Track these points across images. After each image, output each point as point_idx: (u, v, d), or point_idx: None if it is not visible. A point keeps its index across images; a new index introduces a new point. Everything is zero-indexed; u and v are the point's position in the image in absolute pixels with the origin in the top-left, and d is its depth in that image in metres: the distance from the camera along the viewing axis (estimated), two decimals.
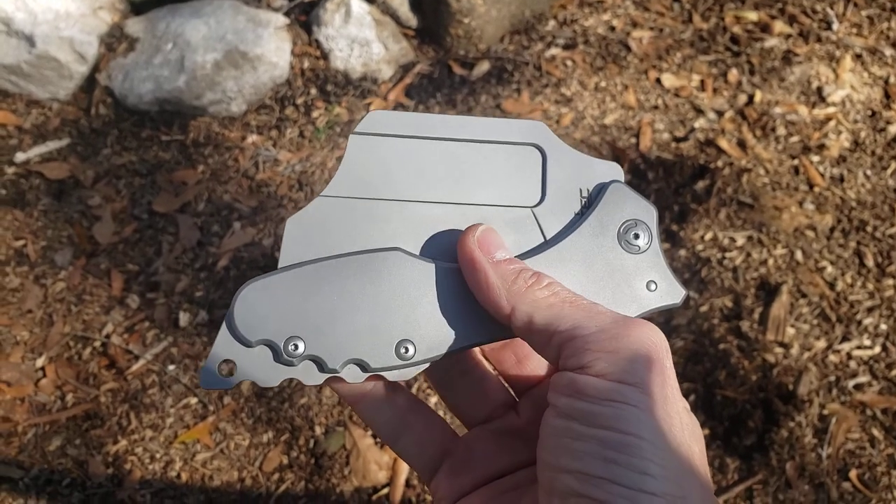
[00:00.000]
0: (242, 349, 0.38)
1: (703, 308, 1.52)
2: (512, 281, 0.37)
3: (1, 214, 1.70)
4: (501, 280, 0.37)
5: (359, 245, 0.40)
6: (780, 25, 2.01)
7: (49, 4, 1.87)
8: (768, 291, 1.54)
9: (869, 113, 1.84)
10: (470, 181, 0.42)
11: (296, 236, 0.40)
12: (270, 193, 1.73)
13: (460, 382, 0.45)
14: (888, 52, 1.95)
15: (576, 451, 0.32)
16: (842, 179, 1.72)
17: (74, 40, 1.88)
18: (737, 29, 2.01)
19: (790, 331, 1.49)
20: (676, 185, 1.71)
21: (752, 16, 2.04)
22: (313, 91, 1.90)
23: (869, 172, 1.73)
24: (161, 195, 1.73)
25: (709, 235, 1.62)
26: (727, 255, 1.60)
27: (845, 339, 1.49)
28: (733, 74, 1.91)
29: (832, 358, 1.46)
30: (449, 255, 0.40)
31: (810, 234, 1.63)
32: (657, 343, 0.34)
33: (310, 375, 0.39)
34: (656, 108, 1.86)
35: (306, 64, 1.92)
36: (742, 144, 1.78)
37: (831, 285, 1.56)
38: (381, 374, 0.39)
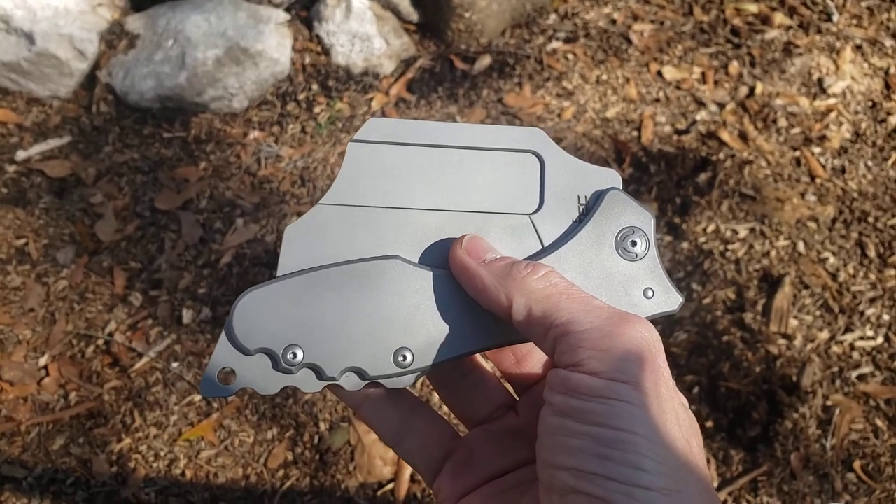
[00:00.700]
0: (241, 357, 0.39)
1: (706, 300, 1.52)
2: (506, 274, 0.37)
3: (2, 213, 1.70)
4: (495, 276, 0.37)
5: (357, 253, 0.40)
6: (780, 17, 2.01)
7: (48, 1, 1.87)
8: (771, 283, 1.54)
9: (870, 104, 1.84)
10: (468, 188, 0.42)
11: (294, 244, 0.40)
12: (273, 189, 1.73)
13: (460, 384, 0.45)
14: (888, 42, 1.95)
15: (571, 448, 0.32)
16: (843, 170, 1.72)
17: (74, 37, 1.87)
18: (737, 21, 2.01)
19: (793, 322, 1.49)
20: (678, 178, 1.71)
21: (753, 8, 2.04)
22: (315, 87, 1.89)
23: (870, 163, 1.73)
24: (163, 192, 1.73)
25: (711, 227, 1.62)
26: (730, 247, 1.60)
27: (848, 329, 1.49)
28: (734, 66, 1.91)
29: (835, 349, 1.46)
30: (446, 263, 0.40)
31: (812, 225, 1.63)
32: (650, 340, 0.34)
33: (308, 383, 0.39)
34: (658, 100, 1.86)
35: (307, 59, 1.92)
36: (743, 136, 1.78)
37: (834, 276, 1.56)
38: (379, 381, 0.39)
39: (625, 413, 0.32)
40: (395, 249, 0.40)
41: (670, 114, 1.83)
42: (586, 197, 0.42)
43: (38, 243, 1.66)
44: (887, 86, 1.87)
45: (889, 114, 1.82)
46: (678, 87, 1.88)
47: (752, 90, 1.86)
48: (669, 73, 1.91)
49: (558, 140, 1.77)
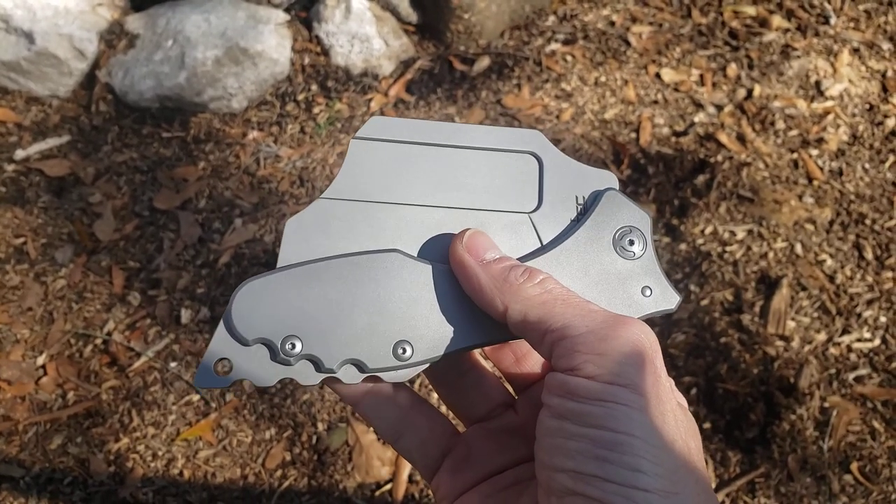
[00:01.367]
0: (239, 348, 0.38)
1: (704, 302, 1.53)
2: (503, 279, 0.37)
3: (1, 212, 1.70)
4: (492, 280, 0.38)
5: (357, 247, 0.40)
6: (778, 20, 2.01)
7: (48, 1, 1.87)
8: (769, 285, 1.54)
9: (867, 107, 1.85)
10: (468, 187, 0.43)
11: (295, 237, 0.40)
12: (271, 190, 1.73)
13: (459, 382, 0.45)
14: (885, 45, 1.96)
15: (569, 450, 0.33)
16: (840, 173, 1.73)
17: (74, 37, 1.87)
18: (735, 23, 2.02)
19: (791, 324, 1.50)
20: (676, 180, 1.72)
21: (751, 10, 2.05)
22: (314, 87, 1.90)
23: (867, 166, 1.74)
24: (162, 192, 1.73)
25: (709, 229, 1.63)
26: (727, 248, 1.60)
27: (845, 331, 1.49)
28: (732, 69, 1.92)
29: (833, 350, 1.47)
30: (445, 259, 0.40)
31: (810, 227, 1.63)
32: (646, 342, 0.34)
33: (307, 375, 0.39)
34: (656, 102, 1.86)
35: (307, 60, 1.92)
36: (741, 138, 1.78)
37: (831, 278, 1.56)
38: (379, 374, 0.39)
39: (622, 416, 0.32)
40: (394, 244, 0.41)
41: (668, 115, 1.84)
42: (584, 197, 0.43)
43: (36, 242, 1.66)
44: (884, 88, 1.88)
45: (886, 116, 1.82)
46: (676, 89, 1.88)
47: (749, 92, 1.87)
48: (668, 75, 1.91)
49: (556, 141, 1.78)
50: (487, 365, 0.47)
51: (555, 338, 0.35)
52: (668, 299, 0.41)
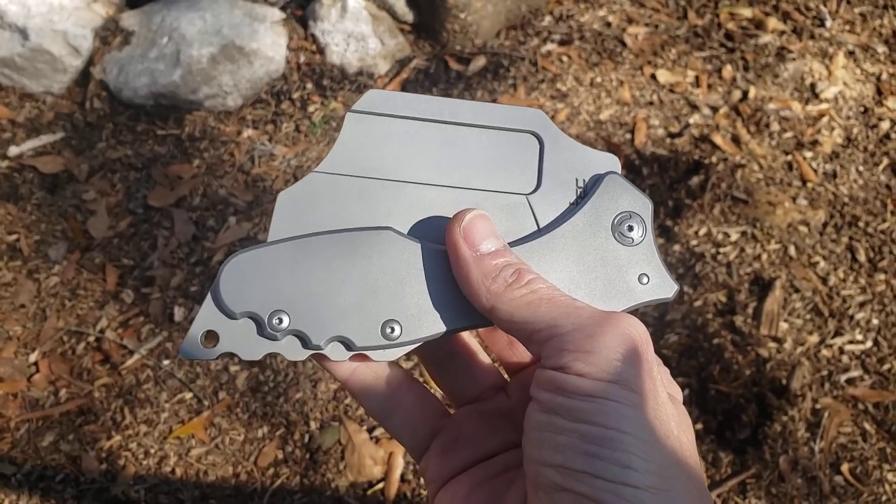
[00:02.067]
0: (226, 321, 0.38)
1: (697, 303, 1.53)
2: (492, 279, 0.37)
3: None
4: (483, 276, 0.37)
5: (350, 223, 0.40)
6: (773, 22, 2.02)
7: None
8: (762, 286, 1.55)
9: (861, 109, 1.85)
10: (466, 165, 0.42)
11: (287, 211, 0.40)
12: (266, 188, 1.72)
13: (450, 363, 0.45)
14: (880, 49, 1.97)
15: (558, 444, 0.32)
16: (834, 175, 1.73)
17: (68, 33, 1.87)
18: (731, 25, 2.02)
19: (783, 325, 1.50)
20: (671, 181, 1.72)
21: (747, 12, 2.05)
22: (309, 86, 1.89)
23: (861, 168, 1.74)
24: (156, 189, 1.73)
25: (703, 231, 1.63)
26: (721, 250, 1.60)
27: (838, 333, 1.50)
28: (728, 70, 1.92)
29: (825, 352, 1.47)
30: (439, 238, 0.39)
31: (803, 229, 1.64)
32: (635, 336, 0.34)
33: (293, 351, 0.38)
34: (651, 103, 1.87)
35: (302, 58, 1.92)
36: (736, 140, 1.78)
37: (824, 280, 1.57)
38: (366, 353, 0.38)
39: (612, 411, 0.32)
40: (388, 221, 0.40)
41: (664, 117, 1.84)
42: (584, 180, 0.41)
43: (29, 239, 1.65)
44: (879, 91, 1.88)
45: (880, 119, 1.83)
46: (672, 91, 1.89)
47: (745, 94, 1.87)
48: (663, 76, 1.91)
49: None
50: (480, 347, 0.47)
51: (542, 337, 0.34)
52: (665, 288, 0.40)
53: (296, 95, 1.88)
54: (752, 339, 1.48)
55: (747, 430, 1.38)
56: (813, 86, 1.89)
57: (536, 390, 0.34)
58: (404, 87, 1.90)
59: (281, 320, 0.37)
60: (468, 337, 0.46)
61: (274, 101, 1.88)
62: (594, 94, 1.88)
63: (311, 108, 1.86)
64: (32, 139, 1.82)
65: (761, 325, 1.49)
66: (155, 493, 1.35)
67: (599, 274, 0.39)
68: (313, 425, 1.41)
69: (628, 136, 1.80)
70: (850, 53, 1.95)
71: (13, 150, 1.79)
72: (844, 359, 1.47)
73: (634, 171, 1.74)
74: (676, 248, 1.61)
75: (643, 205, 0.41)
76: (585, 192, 0.41)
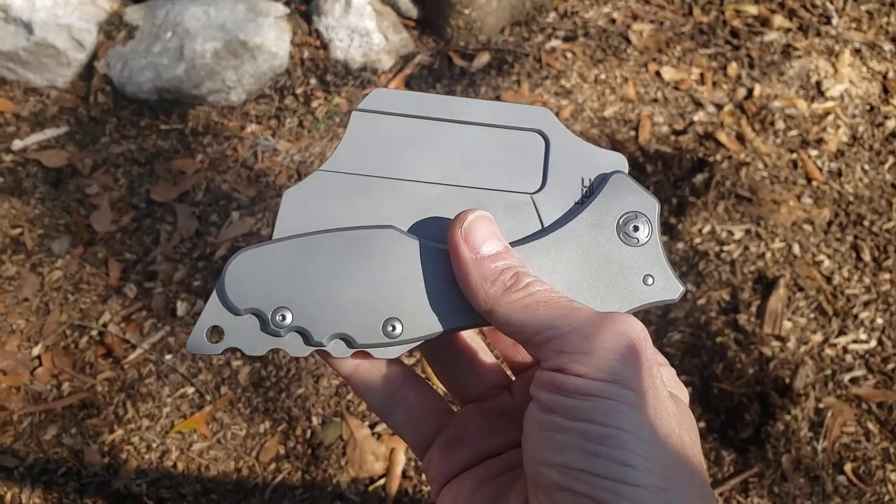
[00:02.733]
0: (230, 316, 0.38)
1: (701, 301, 1.53)
2: (491, 282, 0.37)
3: None
4: (482, 279, 0.37)
5: (354, 221, 0.40)
6: (779, 19, 2.01)
7: None
8: (765, 285, 1.54)
9: (867, 108, 1.84)
10: (471, 164, 0.41)
11: (292, 208, 0.40)
12: (269, 183, 1.72)
13: (454, 361, 0.45)
14: (887, 46, 1.95)
15: (558, 443, 0.32)
16: (840, 174, 1.72)
17: (73, 27, 1.87)
18: (737, 23, 2.01)
19: (787, 324, 1.49)
20: (675, 178, 1.71)
21: (752, 10, 2.04)
22: (313, 81, 1.89)
23: (867, 167, 1.74)
24: (159, 184, 1.73)
25: (707, 228, 1.63)
26: (725, 248, 1.60)
27: (842, 332, 1.49)
28: (733, 68, 1.91)
29: (828, 352, 1.47)
30: (442, 237, 0.39)
31: (808, 227, 1.63)
32: (633, 335, 0.33)
33: (296, 347, 0.39)
34: (656, 100, 1.86)
35: (306, 54, 1.92)
36: (741, 138, 1.78)
37: (828, 279, 1.56)
38: (367, 350, 0.39)
39: (612, 410, 0.31)
40: (392, 220, 0.40)
41: (668, 114, 1.83)
42: (590, 179, 0.41)
43: (33, 233, 1.66)
44: (885, 90, 1.87)
45: (886, 118, 1.82)
46: (676, 88, 1.88)
47: (750, 92, 1.87)
48: (668, 73, 1.91)
49: None
50: (485, 345, 0.46)
51: (540, 340, 0.34)
52: (670, 289, 0.40)
53: (299, 91, 1.88)
54: (756, 338, 1.47)
55: (750, 428, 1.38)
56: (819, 84, 1.88)
57: (536, 390, 0.34)
58: (408, 83, 1.90)
59: (284, 317, 0.38)
60: (472, 335, 0.46)
61: (277, 97, 1.88)
62: (598, 90, 1.88)
63: (314, 104, 1.86)
64: (36, 133, 1.82)
65: (765, 324, 1.49)
66: (157, 487, 1.35)
67: (603, 274, 0.39)
68: (315, 421, 1.41)
69: (632, 133, 1.80)
70: (857, 51, 1.94)
71: (17, 144, 1.79)
72: (848, 358, 1.46)
73: (638, 168, 1.73)
74: (680, 245, 1.61)
75: (650, 205, 0.40)
76: (591, 192, 0.41)
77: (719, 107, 1.84)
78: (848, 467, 1.35)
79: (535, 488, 0.33)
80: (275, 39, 1.88)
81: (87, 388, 1.46)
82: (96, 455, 1.39)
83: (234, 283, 0.38)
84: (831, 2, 2.04)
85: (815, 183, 1.70)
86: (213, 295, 0.38)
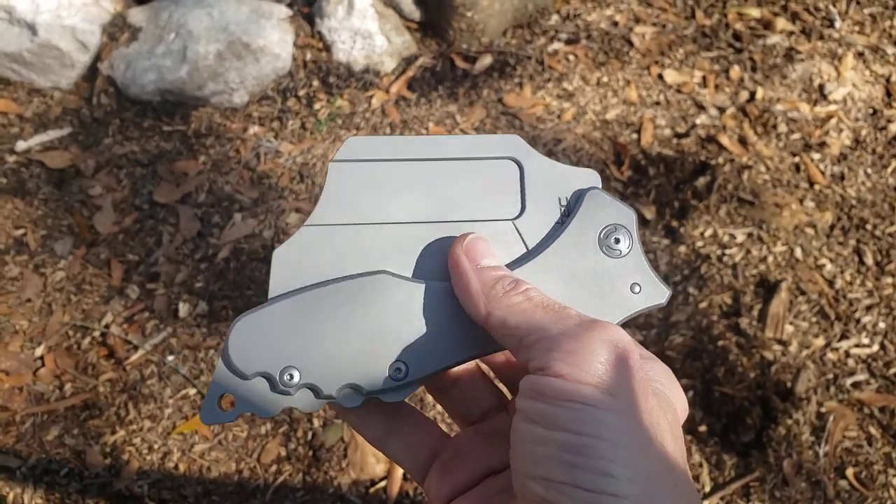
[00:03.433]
0: (240, 382, 0.39)
1: (703, 305, 1.52)
2: (491, 287, 0.37)
3: (1, 203, 1.70)
4: (482, 285, 0.38)
5: (347, 271, 0.40)
6: (782, 22, 2.00)
7: None
8: (767, 289, 1.54)
9: (870, 111, 1.84)
10: (450, 199, 0.42)
11: (283, 266, 0.40)
12: (271, 185, 1.73)
13: (453, 387, 0.45)
14: (890, 50, 1.95)
15: (539, 456, 0.32)
16: (842, 177, 1.72)
17: (76, 29, 1.87)
18: (739, 26, 2.01)
19: (789, 328, 1.49)
20: (677, 182, 1.71)
21: (755, 13, 2.04)
22: (315, 83, 1.89)
23: (869, 171, 1.73)
24: (162, 185, 1.73)
25: (709, 232, 1.62)
26: (727, 251, 1.60)
27: (844, 337, 1.49)
28: (735, 71, 1.91)
29: (830, 356, 1.47)
30: (434, 274, 0.40)
31: (810, 231, 1.63)
32: (617, 341, 0.33)
33: (307, 403, 0.39)
34: (658, 103, 1.86)
35: (309, 56, 1.92)
36: (743, 141, 1.78)
37: (830, 283, 1.56)
38: (377, 395, 0.39)
39: (590, 417, 0.31)
40: (383, 264, 0.41)
41: (670, 117, 1.83)
42: (567, 198, 0.42)
43: (36, 234, 1.66)
44: (888, 93, 1.87)
45: (889, 121, 1.81)
46: (679, 91, 1.88)
47: (752, 95, 1.86)
48: (670, 76, 1.91)
49: (557, 141, 1.77)
50: (479, 368, 0.47)
51: (531, 341, 0.35)
52: (658, 294, 0.41)
53: (302, 93, 1.88)
54: (757, 342, 1.47)
55: (751, 433, 1.37)
56: (821, 87, 1.88)
57: (520, 400, 0.34)
58: (410, 86, 1.90)
59: (292, 376, 0.38)
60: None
61: (280, 99, 1.88)
62: (601, 93, 1.88)
63: (317, 106, 1.86)
64: (40, 134, 1.83)
65: (766, 328, 1.49)
66: (158, 488, 1.36)
67: (592, 289, 0.40)
68: (316, 423, 1.41)
69: (635, 136, 1.80)
70: (860, 54, 1.94)
71: (21, 145, 1.80)
72: (850, 362, 1.46)
73: (640, 171, 1.73)
74: (682, 249, 1.61)
75: (627, 216, 0.41)
76: (569, 210, 0.42)
77: (722, 110, 1.84)
78: (850, 472, 1.34)
79: (522, 502, 0.33)
80: (278, 41, 1.88)
81: (90, 389, 1.46)
82: (98, 456, 1.39)
83: (238, 349, 0.38)
84: (834, 5, 2.04)
85: (817, 186, 1.70)
86: (220, 363, 0.39)
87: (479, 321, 0.38)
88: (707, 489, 1.34)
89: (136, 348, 1.50)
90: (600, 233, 0.41)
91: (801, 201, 1.68)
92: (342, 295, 0.39)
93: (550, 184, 0.42)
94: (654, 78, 1.91)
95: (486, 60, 1.93)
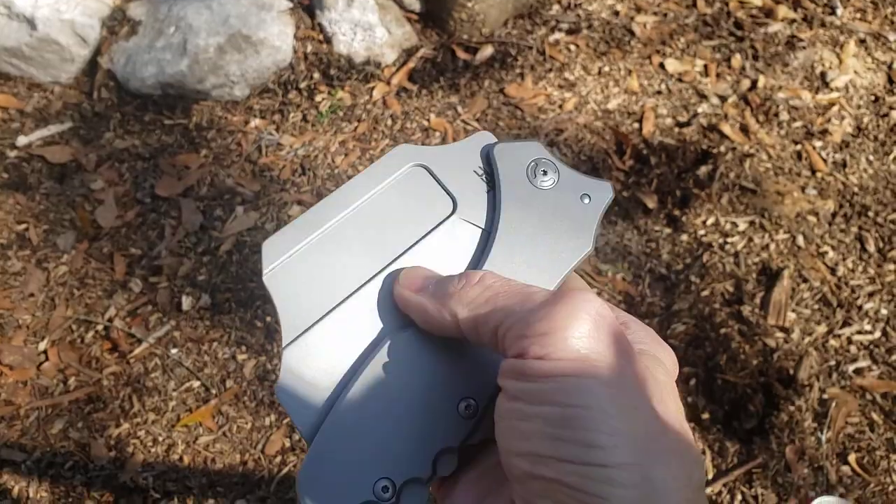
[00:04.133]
0: None
1: (705, 293, 1.52)
2: (442, 293, 0.36)
3: (3, 198, 1.70)
4: (433, 299, 0.37)
5: (347, 364, 0.39)
6: (783, 10, 2.00)
7: None
8: (770, 276, 1.54)
9: (872, 98, 1.83)
10: (388, 236, 0.41)
11: (292, 396, 0.38)
12: (273, 178, 1.73)
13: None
14: (892, 37, 1.95)
15: (524, 432, 0.31)
16: (844, 165, 1.72)
17: (76, 23, 1.87)
18: (741, 14, 2.00)
19: (791, 315, 1.49)
20: (679, 171, 1.71)
21: (757, 0, 2.03)
22: (316, 75, 1.89)
23: (871, 158, 1.73)
24: (164, 179, 1.73)
25: (711, 220, 1.62)
26: (729, 239, 1.60)
27: (846, 323, 1.49)
28: (737, 59, 1.91)
29: (832, 342, 1.47)
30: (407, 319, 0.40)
31: (812, 219, 1.63)
32: (589, 308, 0.32)
33: (419, 496, 0.37)
34: (659, 93, 1.85)
35: (309, 48, 1.92)
36: (745, 129, 1.77)
37: (832, 270, 1.56)
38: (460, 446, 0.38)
39: (573, 388, 0.30)
40: (375, 331, 0.39)
41: (672, 106, 1.83)
42: (480, 166, 0.43)
43: (38, 229, 1.66)
44: (890, 80, 1.87)
45: (891, 108, 1.81)
46: (680, 80, 1.87)
47: (754, 83, 1.86)
48: (672, 65, 1.90)
49: (559, 132, 1.77)
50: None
51: (503, 330, 0.34)
52: (603, 189, 0.42)
53: (303, 85, 1.88)
54: (760, 329, 1.47)
55: (754, 419, 1.38)
56: (823, 74, 1.87)
57: (502, 380, 0.33)
58: (411, 77, 1.90)
59: (386, 488, 0.36)
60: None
61: (281, 91, 1.88)
62: (602, 83, 1.88)
63: (318, 98, 1.86)
64: (41, 129, 1.83)
65: (769, 315, 1.49)
66: (163, 480, 1.36)
67: (557, 223, 0.41)
68: None
69: (636, 125, 1.79)
70: (862, 42, 1.93)
71: (22, 140, 1.80)
72: (852, 349, 1.46)
73: (642, 160, 1.73)
74: (684, 237, 1.61)
75: (536, 149, 0.42)
76: (490, 175, 0.42)
77: (723, 98, 1.83)
78: (852, 457, 1.35)
79: (511, 481, 0.33)
80: (278, 34, 1.88)
81: (94, 383, 1.46)
82: (103, 448, 1.39)
83: (318, 496, 0.36)
84: None
85: (819, 174, 1.70)
86: None
87: (452, 331, 0.36)
88: (710, 476, 1.34)
89: (139, 342, 1.51)
90: (527, 174, 0.41)
91: (802, 189, 1.67)
92: (366, 386, 0.38)
93: (458, 164, 0.43)
94: (655, 67, 1.90)
95: (487, 51, 1.93)
